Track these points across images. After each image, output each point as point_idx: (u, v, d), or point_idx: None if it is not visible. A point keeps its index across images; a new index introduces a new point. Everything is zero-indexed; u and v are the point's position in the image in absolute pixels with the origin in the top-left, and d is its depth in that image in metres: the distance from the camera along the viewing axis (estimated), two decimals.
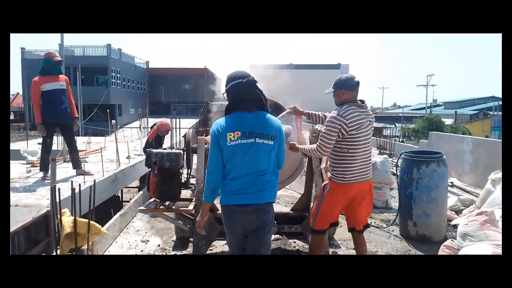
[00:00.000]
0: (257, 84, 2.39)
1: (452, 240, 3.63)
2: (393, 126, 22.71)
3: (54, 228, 3.42)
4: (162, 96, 37.97)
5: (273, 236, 4.37)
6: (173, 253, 4.10)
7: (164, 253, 4.10)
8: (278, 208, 5.85)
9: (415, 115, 38.45)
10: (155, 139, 7.10)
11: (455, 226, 4.91)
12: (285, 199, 6.42)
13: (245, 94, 2.35)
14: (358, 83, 3.11)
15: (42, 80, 5.45)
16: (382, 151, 10.54)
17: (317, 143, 3.07)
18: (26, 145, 9.46)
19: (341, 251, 4.15)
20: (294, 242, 4.32)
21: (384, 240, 4.50)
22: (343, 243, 4.38)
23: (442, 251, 3.56)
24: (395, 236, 4.64)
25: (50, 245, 3.79)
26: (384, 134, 14.33)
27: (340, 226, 4.74)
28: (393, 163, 7.73)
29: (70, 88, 5.73)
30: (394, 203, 5.84)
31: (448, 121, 33.16)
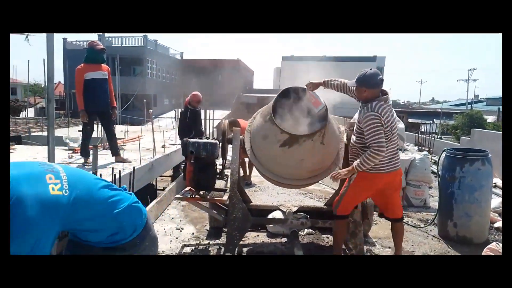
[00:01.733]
0: None
1: (497, 243, 3.45)
2: (431, 122, 21.76)
3: None
4: (196, 87, 38.54)
5: (305, 230, 4.33)
6: (206, 242, 4.17)
7: (198, 242, 4.17)
8: (311, 202, 5.80)
9: (455, 111, 36.69)
10: (190, 114, 6.89)
11: (498, 229, 4.67)
12: (318, 193, 6.35)
13: None
14: (382, 80, 3.06)
15: (86, 68, 5.66)
16: (420, 147, 10.17)
17: (370, 147, 2.96)
18: (68, 132, 9.90)
19: (376, 249, 4.05)
20: (327, 237, 4.26)
21: (422, 240, 4.35)
22: (378, 241, 4.28)
23: (486, 254, 3.39)
24: (433, 236, 4.47)
25: None
26: (422, 130, 13.81)
27: (375, 224, 4.64)
28: (433, 160, 7.44)
29: (111, 79, 5.92)
30: (433, 203, 5.63)
31: (490, 118, 31.41)
